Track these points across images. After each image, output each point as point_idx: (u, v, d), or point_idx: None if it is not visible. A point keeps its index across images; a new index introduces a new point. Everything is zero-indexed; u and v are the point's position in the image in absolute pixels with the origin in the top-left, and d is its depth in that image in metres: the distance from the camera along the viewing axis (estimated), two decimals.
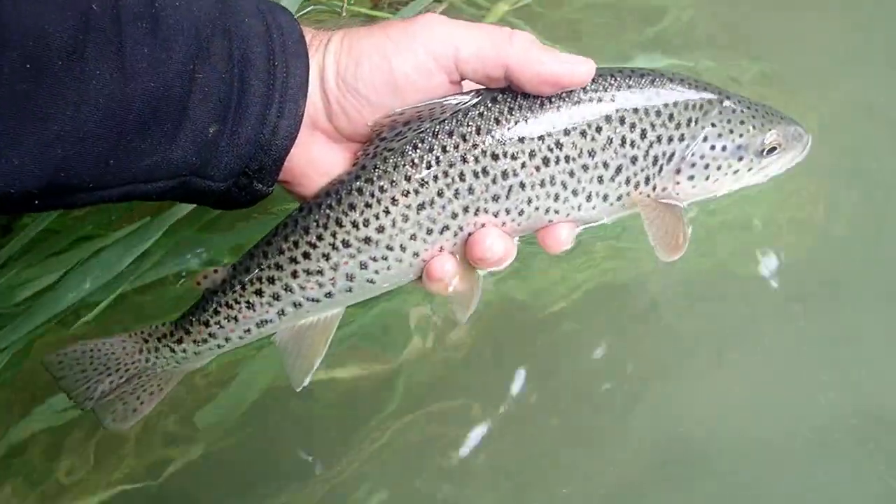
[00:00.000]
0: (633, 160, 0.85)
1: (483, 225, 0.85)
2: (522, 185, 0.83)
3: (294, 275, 0.86)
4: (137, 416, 0.96)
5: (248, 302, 0.88)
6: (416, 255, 0.85)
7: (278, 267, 0.86)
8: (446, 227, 0.84)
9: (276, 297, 0.87)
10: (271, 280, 0.87)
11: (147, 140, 0.73)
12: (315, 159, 0.85)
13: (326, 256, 0.85)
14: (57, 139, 0.67)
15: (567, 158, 0.83)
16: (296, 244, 0.85)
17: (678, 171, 0.87)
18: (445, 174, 0.82)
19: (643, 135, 0.84)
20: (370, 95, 0.81)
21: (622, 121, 0.83)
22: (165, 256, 1.30)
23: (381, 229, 0.84)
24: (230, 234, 1.34)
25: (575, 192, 0.85)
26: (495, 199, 0.84)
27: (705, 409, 1.33)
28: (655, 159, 0.85)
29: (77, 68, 0.67)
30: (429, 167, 0.82)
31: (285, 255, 0.86)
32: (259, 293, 0.87)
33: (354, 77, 0.81)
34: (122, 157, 0.73)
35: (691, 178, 0.88)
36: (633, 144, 0.84)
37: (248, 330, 0.90)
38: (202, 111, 0.76)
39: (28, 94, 0.65)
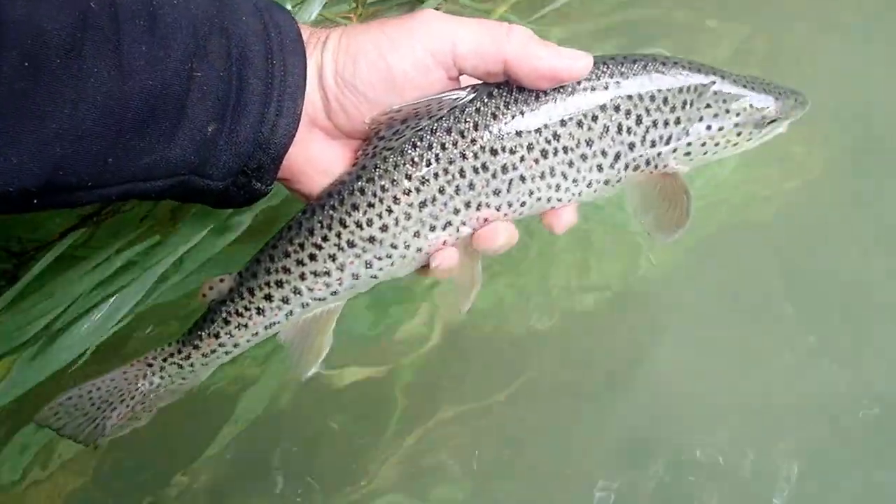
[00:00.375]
0: (631, 146, 0.85)
1: (486, 219, 0.85)
2: (523, 179, 0.84)
3: (302, 277, 0.86)
4: (131, 427, 0.95)
5: (258, 308, 0.88)
6: (419, 250, 0.86)
7: (286, 270, 0.86)
8: (449, 223, 0.85)
9: (286, 301, 0.87)
10: (280, 284, 0.87)
11: (146, 138, 0.73)
12: (314, 157, 0.86)
13: (333, 257, 0.85)
14: (55, 137, 0.67)
15: (565, 149, 0.83)
16: (301, 246, 0.85)
17: (675, 150, 0.87)
18: (446, 171, 0.82)
19: (639, 121, 0.84)
20: (368, 93, 0.81)
21: (617, 108, 0.83)
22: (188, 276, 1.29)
23: (384, 228, 0.84)
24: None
25: (575, 182, 0.85)
26: (496, 193, 0.84)
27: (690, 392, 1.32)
28: (653, 143, 0.86)
29: (75, 66, 0.67)
30: (428, 165, 0.82)
31: (292, 257, 0.86)
32: (269, 298, 0.87)
33: (353, 75, 0.81)
34: (121, 156, 0.73)
35: (688, 154, 0.88)
36: (629, 131, 0.84)
37: (257, 333, 0.90)
38: (201, 110, 0.76)
39: (26, 93, 0.65)
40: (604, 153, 0.84)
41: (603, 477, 1.25)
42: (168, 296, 1.25)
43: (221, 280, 0.89)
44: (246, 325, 0.89)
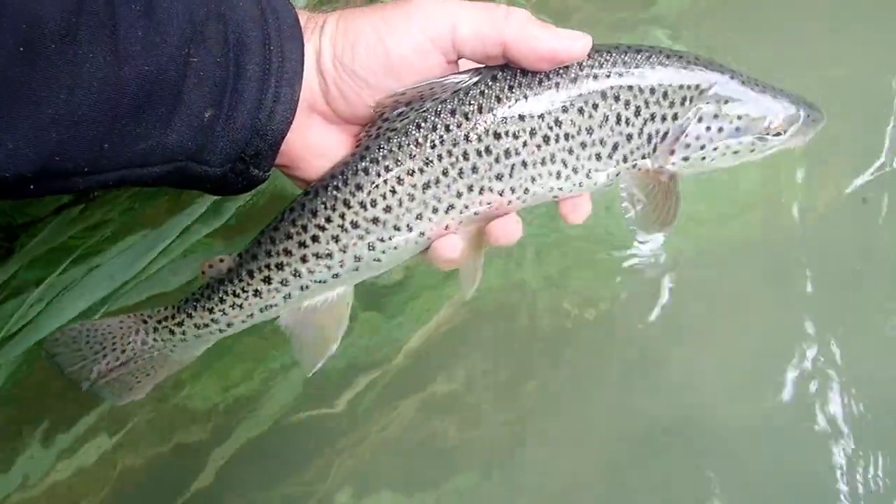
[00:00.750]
0: (629, 138, 0.84)
1: (489, 203, 0.85)
2: (525, 164, 0.83)
3: (303, 259, 0.86)
4: (132, 397, 0.97)
5: (255, 290, 0.88)
6: (422, 234, 0.85)
7: (287, 252, 0.86)
8: (452, 206, 0.84)
9: (285, 283, 0.87)
10: (280, 266, 0.86)
11: (142, 124, 0.73)
12: (312, 143, 0.85)
13: (336, 238, 0.85)
14: (51, 123, 0.67)
15: (567, 136, 0.83)
16: (304, 228, 0.85)
17: (672, 151, 0.86)
18: (449, 153, 0.82)
19: (637, 112, 0.83)
20: (368, 77, 0.81)
21: (617, 98, 0.82)
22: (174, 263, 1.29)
23: (388, 209, 0.84)
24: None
25: (575, 170, 0.85)
26: (499, 177, 0.84)
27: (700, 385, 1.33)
28: (650, 137, 0.84)
29: (70, 51, 0.66)
30: (433, 146, 0.82)
31: (294, 239, 0.85)
32: (267, 280, 0.87)
33: (351, 59, 0.81)
34: (117, 141, 0.72)
35: (686, 157, 0.86)
36: (627, 122, 0.83)
37: (252, 315, 0.90)
38: (197, 95, 0.75)
39: (22, 78, 0.64)
40: (602, 142, 0.84)
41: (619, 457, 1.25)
42: (153, 281, 1.26)
43: (221, 260, 0.89)
44: (241, 307, 0.89)
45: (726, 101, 0.84)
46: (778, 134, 0.87)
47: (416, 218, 0.84)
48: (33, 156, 0.67)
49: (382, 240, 0.85)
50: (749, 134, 0.86)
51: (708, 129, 0.85)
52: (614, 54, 0.83)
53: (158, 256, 1.23)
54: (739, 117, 0.85)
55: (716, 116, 0.84)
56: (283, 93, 0.80)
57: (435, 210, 0.84)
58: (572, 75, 0.82)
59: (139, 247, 1.21)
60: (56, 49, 0.65)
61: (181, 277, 1.26)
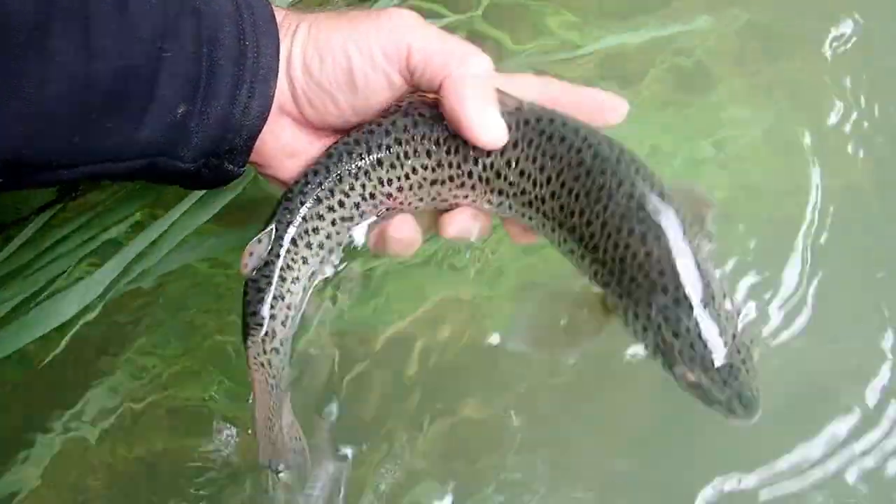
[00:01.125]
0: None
1: (474, 202, 0.87)
2: (506, 196, 0.85)
3: (332, 223, 0.87)
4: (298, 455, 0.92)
5: (303, 258, 0.87)
6: (416, 208, 0.89)
7: (320, 217, 0.86)
8: (445, 200, 0.88)
9: (321, 247, 0.87)
10: (315, 230, 0.87)
11: (114, 119, 0.73)
12: (283, 143, 0.85)
13: (357, 206, 0.87)
14: (19, 116, 0.67)
15: (522, 192, 0.83)
16: (332, 192, 0.86)
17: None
18: (459, 165, 0.84)
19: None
20: (333, 91, 0.81)
21: (577, 197, 0.78)
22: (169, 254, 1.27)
23: (400, 189, 0.86)
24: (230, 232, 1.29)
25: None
26: (489, 201, 0.86)
27: None
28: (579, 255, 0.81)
29: (41, 45, 0.66)
30: (448, 152, 0.84)
31: (323, 203, 0.86)
32: (309, 245, 0.87)
33: (319, 71, 0.81)
34: (89, 136, 0.72)
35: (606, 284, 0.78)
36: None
37: (306, 287, 0.89)
38: (170, 91, 0.75)
39: None
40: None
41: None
42: (146, 277, 1.25)
43: (259, 241, 0.85)
44: (297, 279, 0.87)
45: (667, 310, 0.71)
46: (671, 368, 0.72)
47: (419, 200, 0.88)
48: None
49: (388, 209, 0.88)
50: (658, 348, 0.73)
51: (620, 297, 0.75)
52: (602, 154, 0.77)
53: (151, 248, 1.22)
54: (659, 328, 0.72)
55: (637, 304, 0.74)
56: (258, 89, 0.80)
57: (433, 199, 0.88)
58: (550, 148, 0.79)
59: (135, 243, 1.20)
60: (26, 42, 0.65)
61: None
